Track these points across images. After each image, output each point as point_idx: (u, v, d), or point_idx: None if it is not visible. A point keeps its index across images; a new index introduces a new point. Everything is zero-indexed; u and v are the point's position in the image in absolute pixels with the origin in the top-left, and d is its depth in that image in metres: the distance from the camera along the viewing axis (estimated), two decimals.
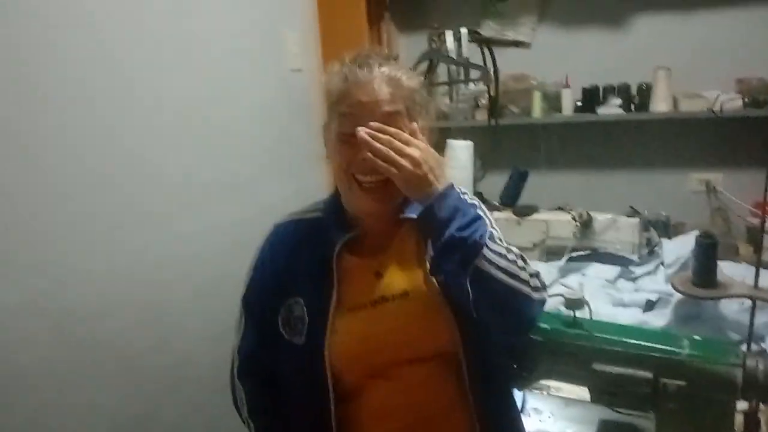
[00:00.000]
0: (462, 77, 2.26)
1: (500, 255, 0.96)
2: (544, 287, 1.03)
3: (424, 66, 2.25)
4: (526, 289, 0.97)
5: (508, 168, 2.29)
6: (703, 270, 1.47)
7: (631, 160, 2.76)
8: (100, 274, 1.58)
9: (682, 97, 2.50)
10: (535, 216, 2.11)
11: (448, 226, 0.96)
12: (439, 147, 2.24)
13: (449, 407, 1.10)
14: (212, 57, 1.86)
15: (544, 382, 1.46)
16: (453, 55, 2.20)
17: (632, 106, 2.60)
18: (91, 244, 1.56)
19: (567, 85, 2.67)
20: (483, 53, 2.27)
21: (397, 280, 1.09)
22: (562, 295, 1.44)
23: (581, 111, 2.67)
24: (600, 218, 2.03)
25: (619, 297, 1.68)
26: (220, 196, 1.90)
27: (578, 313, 1.26)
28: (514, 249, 1.01)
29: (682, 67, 2.49)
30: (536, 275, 1.02)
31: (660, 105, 2.50)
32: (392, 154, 0.97)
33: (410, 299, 1.08)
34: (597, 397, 1.28)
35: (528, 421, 1.42)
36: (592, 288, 1.72)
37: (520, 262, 0.99)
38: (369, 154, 0.97)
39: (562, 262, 1.88)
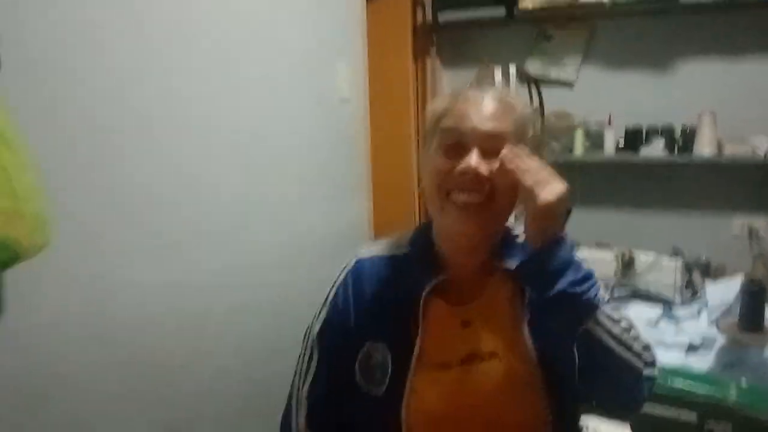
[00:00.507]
0: None
1: (613, 321, 0.85)
2: (654, 363, 0.92)
3: None
4: (638, 363, 0.87)
5: None
6: (750, 315, 1.46)
7: (673, 201, 2.74)
8: (146, 286, 1.63)
9: (726, 142, 2.49)
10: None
11: (560, 279, 0.82)
12: None
13: None
14: (268, 82, 1.92)
15: (586, 421, 1.45)
16: None
17: (676, 148, 2.59)
18: (140, 258, 1.61)
19: (610, 124, 2.68)
20: (530, 90, 2.30)
21: (486, 336, 0.98)
22: None
23: (624, 150, 2.68)
24: (642, 258, 2.02)
25: (661, 338, 1.67)
26: (267, 218, 1.94)
27: None
28: (626, 316, 0.91)
29: (727, 110, 2.48)
30: (648, 348, 0.91)
31: (704, 148, 2.49)
32: (544, 174, 0.87)
33: (501, 362, 0.96)
34: None
35: None
36: None
37: (633, 332, 0.89)
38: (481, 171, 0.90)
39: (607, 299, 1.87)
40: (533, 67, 2.87)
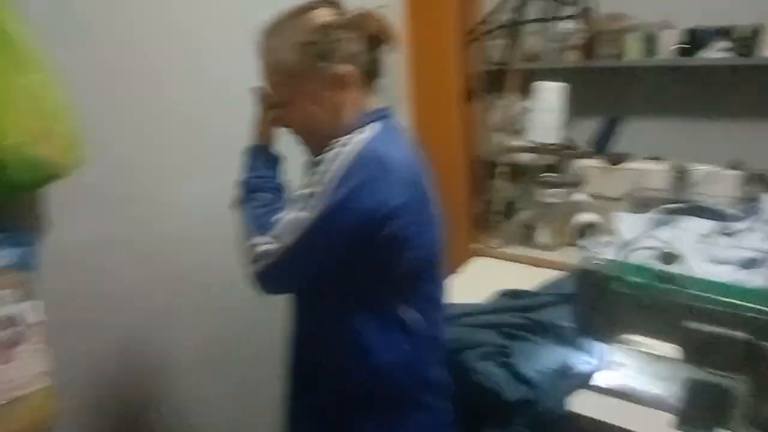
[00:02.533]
0: (554, 15, 2.15)
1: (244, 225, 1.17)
2: (252, 261, 1.11)
3: (514, 2, 2.15)
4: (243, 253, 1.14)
5: (599, 113, 2.19)
6: None
7: (733, 109, 2.57)
8: (186, 206, 1.64)
9: None
10: (626, 164, 2.02)
11: None
12: (527, 89, 2.17)
13: None
14: None
15: (629, 336, 1.42)
16: None
17: (738, 50, 2.41)
18: (180, 179, 1.62)
19: (667, 26, 2.50)
20: None
21: None
22: (655, 248, 1.39)
23: (682, 54, 2.50)
24: (698, 169, 1.92)
25: (715, 253, 1.59)
26: None
27: (671, 268, 1.21)
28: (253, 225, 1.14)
29: None
30: (249, 248, 1.12)
31: None
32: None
33: None
34: (686, 356, 1.24)
35: (611, 375, 1.39)
36: (686, 242, 1.64)
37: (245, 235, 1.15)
38: None
39: (654, 214, 1.80)
40: None
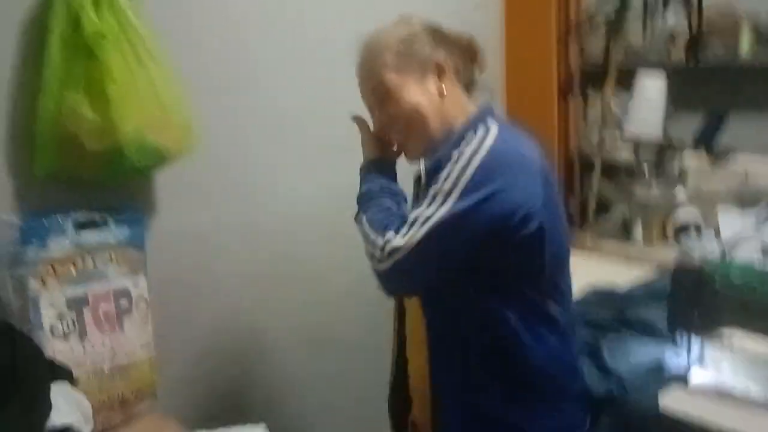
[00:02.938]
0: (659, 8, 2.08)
1: (361, 224, 1.17)
2: (381, 259, 1.08)
3: None
4: (367, 252, 1.13)
5: (704, 108, 2.10)
6: None
7: None
8: (290, 198, 1.72)
9: None
10: (732, 161, 1.93)
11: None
12: (628, 83, 2.12)
13: (420, 338, 1.25)
14: None
15: (727, 334, 1.36)
16: None
17: None
18: (285, 173, 1.71)
19: None
20: None
21: None
22: (760, 246, 1.33)
23: None
24: None
25: None
26: None
27: None
28: (376, 224, 1.13)
29: None
30: (381, 248, 1.08)
31: None
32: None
33: None
34: None
35: (707, 374, 1.34)
36: None
37: (372, 238, 1.11)
38: None
39: (760, 210, 1.72)
40: None
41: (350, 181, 1.84)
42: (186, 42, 1.45)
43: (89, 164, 1.27)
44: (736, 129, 2.10)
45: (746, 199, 1.87)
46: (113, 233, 1.33)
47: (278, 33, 1.66)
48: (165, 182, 1.46)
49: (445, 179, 1.06)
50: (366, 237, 1.14)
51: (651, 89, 1.95)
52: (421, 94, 1.18)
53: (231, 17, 1.56)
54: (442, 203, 1.04)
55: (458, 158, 1.07)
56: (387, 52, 1.19)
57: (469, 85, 1.25)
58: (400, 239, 1.06)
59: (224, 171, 1.58)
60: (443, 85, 1.19)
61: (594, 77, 2.41)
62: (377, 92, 1.21)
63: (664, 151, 1.97)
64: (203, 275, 1.57)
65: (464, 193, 1.03)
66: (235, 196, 1.61)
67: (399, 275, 1.09)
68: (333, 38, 1.66)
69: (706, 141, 2.03)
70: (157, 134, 1.31)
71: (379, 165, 1.26)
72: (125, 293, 1.35)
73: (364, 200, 1.21)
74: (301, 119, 1.72)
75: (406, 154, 1.27)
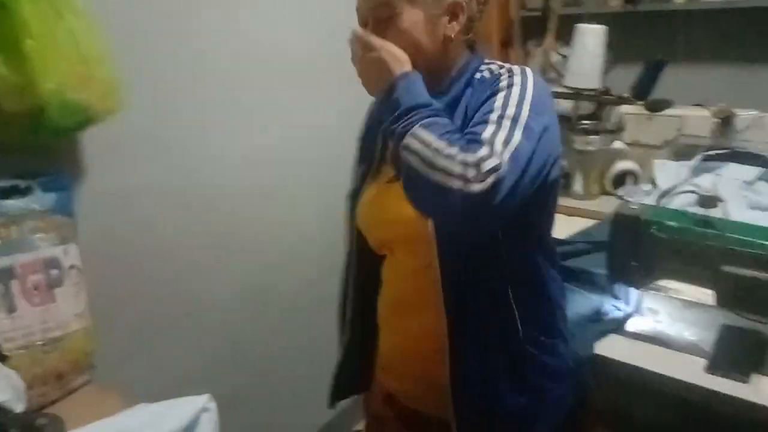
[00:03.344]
0: None
1: (425, 144, 0.94)
2: (475, 179, 0.88)
3: None
4: (437, 176, 0.90)
5: (642, 59, 2.12)
6: None
7: None
8: (226, 159, 1.67)
9: None
10: (668, 111, 1.96)
11: (385, 123, 1.03)
12: (567, 33, 2.11)
13: (421, 300, 1.13)
14: None
15: (663, 282, 1.40)
16: None
17: None
18: (219, 132, 1.64)
19: None
20: None
21: None
22: (693, 192, 1.36)
23: None
24: (743, 115, 1.85)
25: (757, 199, 1.56)
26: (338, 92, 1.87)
27: (710, 213, 1.18)
28: (450, 139, 0.94)
29: None
30: (474, 165, 0.89)
31: None
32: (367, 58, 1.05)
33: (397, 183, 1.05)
34: (723, 301, 1.22)
35: (644, 322, 1.38)
36: (728, 189, 1.60)
37: (449, 151, 0.91)
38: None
39: (695, 160, 1.76)
40: None
41: (284, 140, 1.82)
42: None
43: (8, 127, 1.19)
44: (673, 78, 2.12)
45: (683, 149, 1.92)
46: (39, 200, 1.26)
47: None
48: (92, 144, 1.38)
49: (504, 106, 0.96)
50: (437, 154, 0.92)
51: (590, 37, 1.94)
52: (425, 33, 1.08)
53: None
54: (514, 124, 0.94)
55: (509, 86, 1.00)
56: None
57: (471, 39, 1.17)
58: (497, 155, 0.90)
59: (154, 130, 1.50)
60: (454, 25, 1.10)
61: (534, 28, 2.41)
62: (380, 11, 1.07)
63: (603, 101, 1.98)
64: (138, 241, 1.51)
65: (532, 116, 0.96)
66: (166, 157, 1.55)
67: (502, 196, 0.89)
68: None
69: (643, 91, 2.04)
70: (80, 91, 1.23)
71: (416, 77, 1.04)
72: (55, 262, 1.29)
73: (415, 116, 0.98)
74: (233, 76, 1.65)
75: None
